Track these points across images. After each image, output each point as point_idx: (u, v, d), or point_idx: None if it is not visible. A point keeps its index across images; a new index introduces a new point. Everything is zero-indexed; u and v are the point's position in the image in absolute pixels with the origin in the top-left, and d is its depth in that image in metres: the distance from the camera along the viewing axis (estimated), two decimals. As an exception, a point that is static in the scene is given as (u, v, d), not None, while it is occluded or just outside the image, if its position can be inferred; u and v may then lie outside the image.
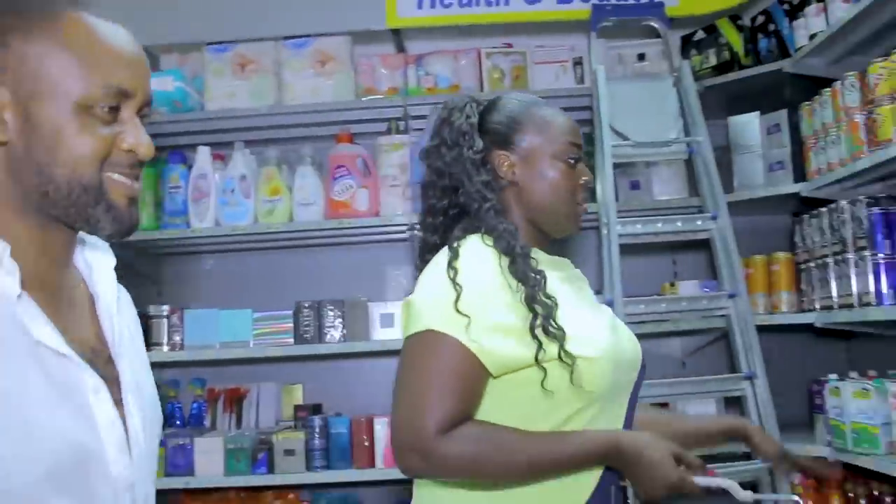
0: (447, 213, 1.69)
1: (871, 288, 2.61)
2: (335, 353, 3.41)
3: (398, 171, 3.44)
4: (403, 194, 3.39)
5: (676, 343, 3.59)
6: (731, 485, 1.52)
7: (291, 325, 3.37)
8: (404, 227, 3.45)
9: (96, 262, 1.17)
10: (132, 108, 1.04)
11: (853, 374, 2.80)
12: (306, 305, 3.37)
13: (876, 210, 2.61)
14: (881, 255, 2.58)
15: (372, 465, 3.21)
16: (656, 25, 3.31)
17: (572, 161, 1.65)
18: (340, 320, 3.36)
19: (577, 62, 3.61)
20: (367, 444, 3.22)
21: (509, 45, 3.70)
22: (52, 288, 1.05)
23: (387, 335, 3.34)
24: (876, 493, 2.82)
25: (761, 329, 3.19)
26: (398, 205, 3.42)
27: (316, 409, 3.45)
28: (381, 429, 3.21)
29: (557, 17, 3.53)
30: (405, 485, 3.23)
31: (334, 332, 3.36)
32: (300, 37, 3.61)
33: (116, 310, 1.15)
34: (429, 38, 3.76)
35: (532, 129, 1.65)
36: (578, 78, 3.59)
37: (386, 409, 3.24)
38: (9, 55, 0.98)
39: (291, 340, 3.36)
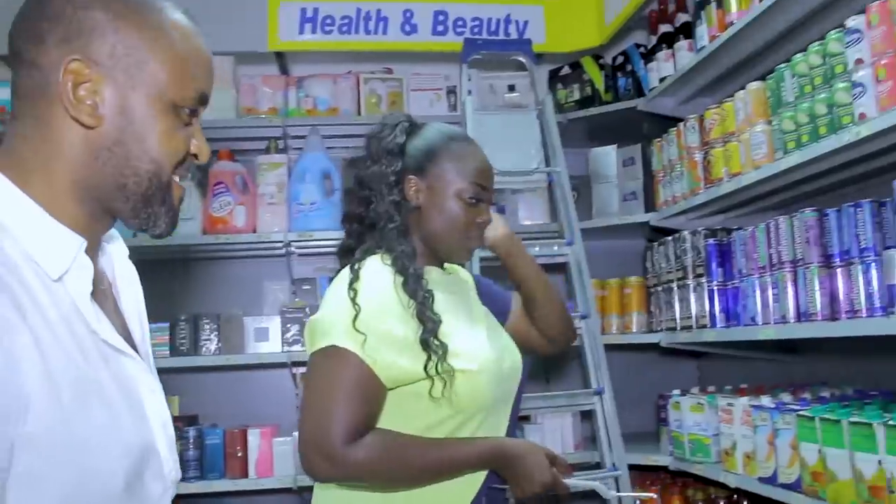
0: (362, 221, 1.79)
1: (707, 311, 2.88)
2: (211, 365, 3.48)
3: (276, 190, 3.54)
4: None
5: (541, 361, 3.78)
6: (598, 485, 1.75)
7: (168, 337, 3.41)
8: (280, 244, 3.55)
9: (116, 253, 1.13)
10: (200, 114, 1.06)
11: (694, 390, 3.05)
12: (182, 318, 3.43)
13: (711, 241, 2.86)
14: (715, 282, 2.84)
15: (245, 475, 3.30)
16: (523, 60, 3.50)
17: (473, 201, 1.77)
18: (216, 333, 3.44)
19: (451, 90, 3.80)
20: (240, 454, 3.31)
21: (389, 70, 3.87)
22: (95, 281, 1.01)
23: (261, 349, 3.45)
24: (713, 496, 3.08)
25: (616, 347, 3.44)
26: (275, 222, 3.52)
27: (192, 420, 3.51)
28: (254, 440, 3.31)
29: (432, 48, 3.71)
30: (277, 494, 3.38)
31: (210, 345, 3.43)
32: (184, 53, 3.67)
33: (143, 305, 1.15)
34: (314, 60, 3.88)
35: (444, 162, 1.75)
36: (452, 105, 3.78)
37: (259, 420, 3.42)
38: (117, 43, 0.96)
39: (167, 352, 3.40)
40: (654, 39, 3.37)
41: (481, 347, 1.71)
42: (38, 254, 0.92)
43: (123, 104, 0.96)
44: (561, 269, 3.32)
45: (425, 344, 1.60)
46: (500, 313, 1.98)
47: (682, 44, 3.12)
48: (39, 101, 0.95)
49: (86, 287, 0.97)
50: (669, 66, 3.23)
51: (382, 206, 1.72)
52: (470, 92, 3.46)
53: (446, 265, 1.88)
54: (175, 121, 1.00)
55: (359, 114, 3.71)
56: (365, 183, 1.76)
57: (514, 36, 3.68)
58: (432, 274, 1.75)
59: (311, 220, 3.50)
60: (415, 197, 1.75)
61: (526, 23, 3.70)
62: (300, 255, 3.74)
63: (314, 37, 3.64)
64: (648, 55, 3.43)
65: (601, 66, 3.73)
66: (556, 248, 3.21)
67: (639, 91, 3.53)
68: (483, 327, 1.81)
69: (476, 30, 3.67)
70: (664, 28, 3.30)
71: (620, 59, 3.65)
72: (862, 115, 2.00)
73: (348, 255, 1.76)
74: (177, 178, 1.04)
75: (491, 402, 1.69)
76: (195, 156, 1.05)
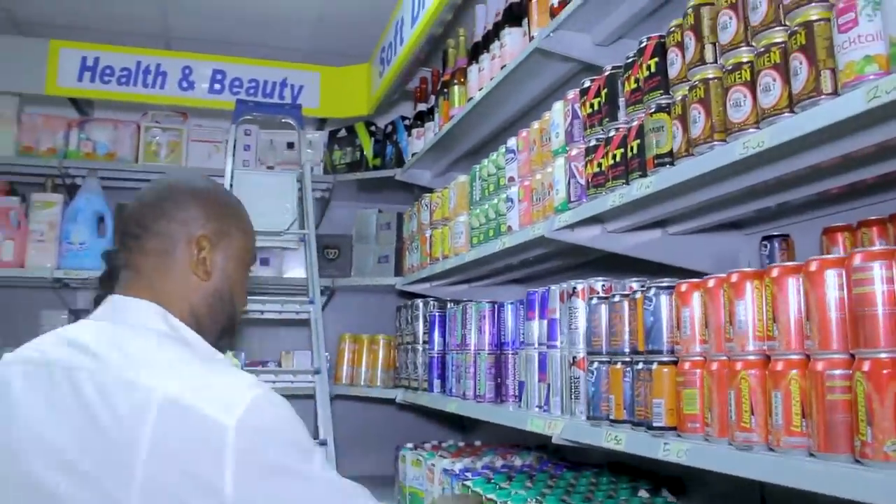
0: None
1: (427, 376, 3.11)
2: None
3: (47, 228, 3.63)
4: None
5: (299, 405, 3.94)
6: None
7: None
8: (49, 280, 3.63)
9: None
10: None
11: (427, 445, 3.28)
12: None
13: (437, 312, 3.10)
14: (435, 351, 3.07)
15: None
16: (292, 123, 3.69)
17: None
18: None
19: (232, 143, 3.94)
20: None
21: (185, 116, 4.00)
22: None
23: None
24: (433, 547, 3.32)
25: (360, 399, 3.64)
26: (45, 258, 3.60)
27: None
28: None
29: (207, 105, 3.88)
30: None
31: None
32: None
33: None
34: (113, 105, 3.99)
35: None
36: (230, 157, 3.92)
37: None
38: (221, 226, 1.39)
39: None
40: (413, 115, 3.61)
41: None
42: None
43: (224, 267, 1.40)
44: (307, 323, 3.51)
45: None
46: None
47: (431, 124, 3.36)
48: (165, 258, 1.35)
49: None
50: (420, 144, 3.46)
51: None
52: (248, 147, 3.62)
53: None
54: (246, 276, 1.45)
55: (137, 161, 3.82)
56: None
57: (288, 99, 3.87)
58: None
59: (81, 259, 3.60)
60: None
61: (301, 87, 3.90)
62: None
63: (93, 85, 3.74)
64: (411, 128, 3.65)
65: (372, 133, 3.95)
66: (298, 307, 3.40)
67: (401, 160, 3.76)
68: None
69: (252, 90, 3.84)
70: (421, 106, 3.54)
71: (390, 129, 3.88)
72: (509, 228, 2.27)
73: None
74: None
75: None
76: None
